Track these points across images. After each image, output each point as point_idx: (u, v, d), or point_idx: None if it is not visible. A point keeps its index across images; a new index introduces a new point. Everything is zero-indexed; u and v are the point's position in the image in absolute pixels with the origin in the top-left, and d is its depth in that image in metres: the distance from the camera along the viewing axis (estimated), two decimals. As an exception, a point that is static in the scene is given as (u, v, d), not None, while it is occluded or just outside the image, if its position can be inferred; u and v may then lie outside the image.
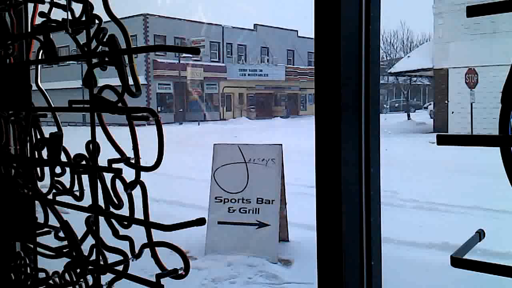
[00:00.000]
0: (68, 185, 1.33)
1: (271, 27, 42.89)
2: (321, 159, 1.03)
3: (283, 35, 43.43)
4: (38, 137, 1.33)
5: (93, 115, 1.14)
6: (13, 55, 1.58)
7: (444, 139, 0.58)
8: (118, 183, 1.15)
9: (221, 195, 5.87)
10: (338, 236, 0.99)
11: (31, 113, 1.30)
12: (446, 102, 20.17)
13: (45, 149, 1.35)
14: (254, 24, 42.72)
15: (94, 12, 1.20)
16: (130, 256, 1.11)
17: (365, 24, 1.13)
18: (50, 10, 1.38)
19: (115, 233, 1.12)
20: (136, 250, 1.11)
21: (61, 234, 1.28)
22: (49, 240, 1.35)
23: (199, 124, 31.61)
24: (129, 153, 1.15)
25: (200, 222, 1.01)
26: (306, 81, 42.42)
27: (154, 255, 1.07)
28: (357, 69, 1.12)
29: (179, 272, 1.00)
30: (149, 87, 34.70)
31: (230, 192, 5.84)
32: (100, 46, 1.21)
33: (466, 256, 0.63)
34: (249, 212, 5.64)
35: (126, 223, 1.12)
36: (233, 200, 5.81)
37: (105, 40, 1.16)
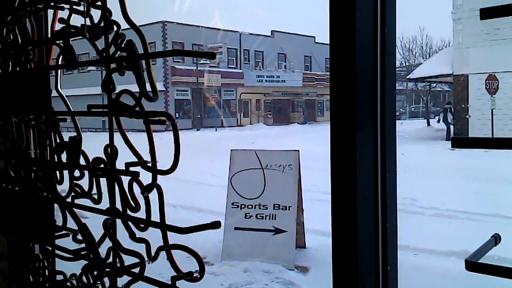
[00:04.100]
0: (86, 188, 1.35)
1: (288, 33, 42.96)
2: (336, 165, 1.03)
3: (300, 41, 43.46)
4: (58, 141, 1.36)
5: (111, 119, 1.16)
6: (33, 61, 1.62)
7: (459, 142, 0.58)
8: (135, 187, 1.16)
9: (238, 200, 5.88)
10: (353, 241, 0.99)
11: (50, 117, 1.33)
12: (464, 106, 19.87)
13: (64, 153, 1.38)
14: (271, 31, 42.86)
15: (113, 18, 1.23)
16: (146, 258, 1.12)
17: (380, 29, 1.12)
18: (69, 16, 1.41)
19: (132, 236, 1.13)
20: (152, 253, 1.12)
21: (78, 236, 1.30)
22: (66, 242, 1.37)
23: (216, 130, 31.76)
24: (146, 158, 1.17)
25: (215, 225, 1.01)
26: (323, 87, 42.31)
27: (170, 258, 1.08)
28: (372, 73, 1.11)
29: (194, 275, 1.01)
30: (167, 93, 35.05)
31: (247, 198, 5.85)
32: (118, 52, 1.23)
33: (482, 261, 0.62)
34: (265, 218, 5.63)
35: (142, 225, 1.13)
36: (249, 206, 5.81)
37: (123, 45, 1.18)
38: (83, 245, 1.29)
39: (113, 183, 1.14)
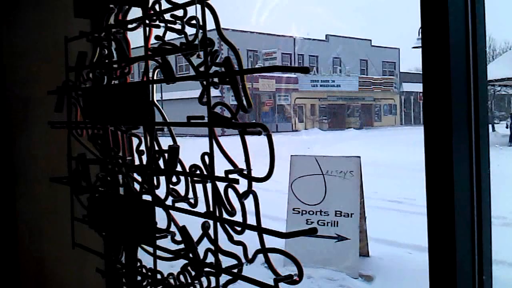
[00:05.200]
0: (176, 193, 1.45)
1: (344, 37, 42.46)
2: (432, 175, 1.05)
3: (356, 44, 42.79)
4: (156, 148, 1.47)
5: (211, 130, 1.25)
6: (128, 75, 1.75)
7: None
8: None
9: (299, 206, 5.91)
10: (452, 251, 1.01)
11: (152, 127, 1.44)
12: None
13: (160, 159, 1.48)
14: (326, 35, 42.55)
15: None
16: (243, 260, 1.19)
17: (471, 29, 1.13)
18: (164, 33, 1.52)
19: (230, 238, 1.21)
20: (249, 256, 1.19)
21: (176, 237, 1.40)
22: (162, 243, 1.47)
23: (271, 135, 31.79)
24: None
25: (312, 231, 1.07)
26: (380, 92, 41.38)
27: (268, 261, 1.15)
28: (465, 81, 1.12)
29: (294, 278, 1.06)
30: (222, 99, 35.55)
31: (307, 204, 5.87)
32: (213, 67, 1.32)
33: None
34: (327, 225, 5.62)
35: (239, 229, 1.20)
36: (311, 212, 5.82)
37: (220, 61, 1.27)
38: (179, 246, 1.38)
39: (214, 189, 1.22)
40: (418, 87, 39.51)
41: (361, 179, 5.90)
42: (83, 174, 1.81)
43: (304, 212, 5.84)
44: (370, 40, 44.17)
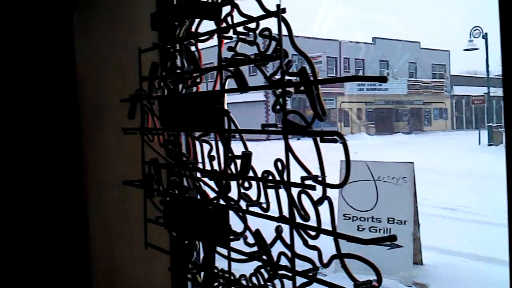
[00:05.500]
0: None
1: (391, 39, 41.59)
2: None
3: (404, 47, 41.79)
4: (229, 155, 1.53)
5: (286, 137, 1.30)
6: (200, 84, 1.84)
7: None
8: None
9: (350, 212, 5.86)
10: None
11: (225, 134, 1.51)
12: None
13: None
14: (373, 37, 41.84)
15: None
16: (318, 264, 1.23)
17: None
18: (236, 44, 1.59)
19: (305, 243, 1.25)
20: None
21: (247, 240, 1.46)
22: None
23: (316, 140, 31.60)
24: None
25: (391, 238, 1.09)
26: (430, 95, 40.19)
27: (344, 266, 1.18)
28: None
29: (373, 283, 1.09)
30: (267, 103, 35.83)
31: (359, 210, 5.81)
32: (285, 76, 1.37)
33: None
34: (379, 232, 5.55)
35: (314, 234, 1.24)
36: (362, 218, 5.76)
37: (293, 71, 1.32)
38: (251, 248, 1.44)
39: (289, 194, 1.27)
40: (470, 90, 38.08)
41: (414, 185, 5.78)
42: (156, 178, 1.91)
43: (355, 218, 5.79)
44: (419, 42, 43.03)
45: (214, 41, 1.72)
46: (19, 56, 2.55)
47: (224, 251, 1.51)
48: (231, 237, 1.44)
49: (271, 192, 1.40)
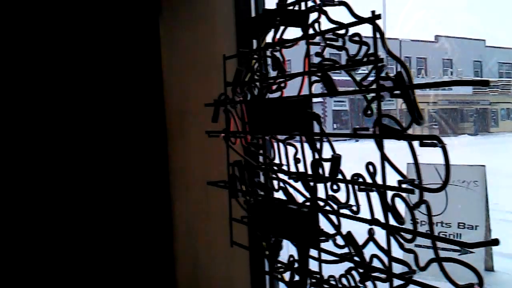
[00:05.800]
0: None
1: (454, 37, 39.81)
2: None
3: (468, 45, 39.84)
4: (316, 157, 1.58)
5: (381, 142, 1.32)
6: (284, 89, 1.89)
7: None
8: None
9: (417, 217, 5.70)
10: None
11: (313, 137, 1.55)
12: None
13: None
14: (435, 36, 40.25)
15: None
16: (414, 267, 1.24)
17: None
18: (323, 50, 1.63)
19: (401, 246, 1.27)
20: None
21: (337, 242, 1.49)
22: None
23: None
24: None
25: (494, 242, 1.09)
26: (497, 95, 38.05)
27: (443, 269, 1.18)
28: None
29: (474, 287, 1.09)
30: (324, 104, 35.49)
31: (427, 215, 5.64)
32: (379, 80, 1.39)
33: None
34: (449, 237, 5.36)
35: (409, 237, 1.26)
36: (430, 223, 5.59)
37: (386, 75, 1.34)
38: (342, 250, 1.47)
39: (384, 197, 1.29)
40: (541, 89, 35.69)
41: (486, 189, 5.55)
42: (240, 179, 1.98)
43: (423, 223, 5.61)
44: (484, 40, 40.87)
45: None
46: (112, 66, 2.74)
47: (313, 252, 1.56)
48: (322, 238, 1.48)
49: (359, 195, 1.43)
